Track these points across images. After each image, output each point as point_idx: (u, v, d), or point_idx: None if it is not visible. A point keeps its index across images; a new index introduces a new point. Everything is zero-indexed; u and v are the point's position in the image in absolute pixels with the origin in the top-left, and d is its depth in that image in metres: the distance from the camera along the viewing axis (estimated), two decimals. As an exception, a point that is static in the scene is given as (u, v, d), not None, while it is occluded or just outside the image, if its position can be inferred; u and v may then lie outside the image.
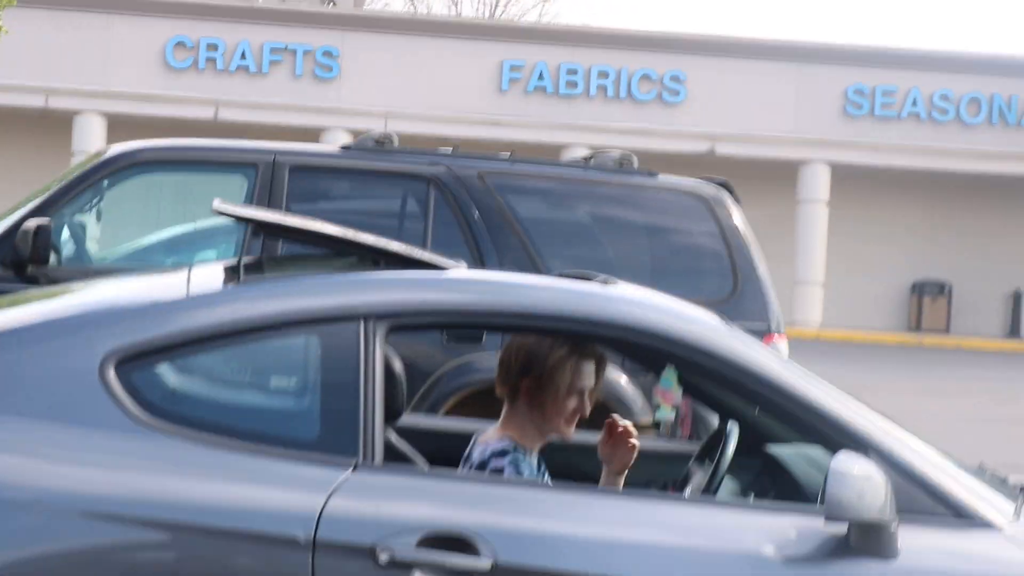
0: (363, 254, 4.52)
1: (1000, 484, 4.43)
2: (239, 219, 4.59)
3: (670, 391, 4.64)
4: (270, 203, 8.31)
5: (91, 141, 33.33)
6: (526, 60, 34.60)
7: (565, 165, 8.93)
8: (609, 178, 8.67)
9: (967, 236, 37.79)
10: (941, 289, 37.09)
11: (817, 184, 34.88)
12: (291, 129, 33.31)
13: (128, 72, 33.77)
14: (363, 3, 45.83)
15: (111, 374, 3.92)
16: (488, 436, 4.66)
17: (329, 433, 3.93)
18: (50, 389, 3.88)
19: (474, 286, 4.27)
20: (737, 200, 8.85)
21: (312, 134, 33.24)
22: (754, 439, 5.08)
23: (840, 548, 3.84)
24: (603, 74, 34.67)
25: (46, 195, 8.49)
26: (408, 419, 5.40)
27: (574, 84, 34.62)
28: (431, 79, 34.18)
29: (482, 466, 4.50)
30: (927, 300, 37.00)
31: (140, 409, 3.89)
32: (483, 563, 3.74)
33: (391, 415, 4.73)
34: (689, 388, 4.91)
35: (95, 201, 8.78)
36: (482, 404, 7.92)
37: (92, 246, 9.23)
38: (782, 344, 8.44)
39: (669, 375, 4.63)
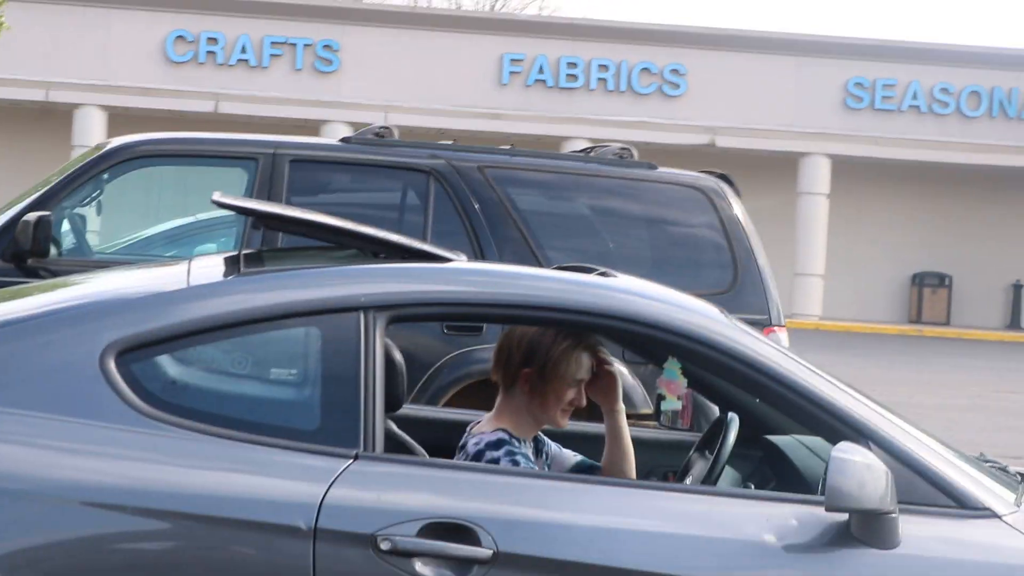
0: (363, 246, 4.52)
1: (1000, 473, 4.44)
2: (239, 211, 4.59)
3: (674, 382, 4.66)
4: (270, 196, 8.31)
5: (92, 135, 33.31)
6: (526, 53, 34.56)
7: (565, 158, 8.92)
8: (609, 170, 8.67)
9: (967, 228, 37.76)
10: (941, 281, 37.08)
11: (817, 177, 34.84)
12: (291, 122, 33.28)
13: (128, 66, 33.74)
14: (363, -4, 45.81)
15: (112, 365, 3.92)
16: (481, 427, 4.67)
17: (330, 423, 3.93)
18: (51, 380, 3.89)
19: (474, 278, 4.28)
20: (737, 192, 8.84)
21: (312, 127, 33.23)
22: (755, 429, 5.08)
23: (841, 537, 3.84)
24: (603, 67, 34.63)
25: (46, 188, 8.49)
26: (408, 410, 5.41)
27: (574, 77, 34.59)
28: (431, 72, 34.15)
29: (477, 458, 4.51)
30: (927, 292, 36.99)
31: (141, 400, 3.89)
32: (484, 552, 3.74)
33: (391, 406, 4.73)
34: (689, 379, 4.91)
35: (95, 194, 8.79)
36: (482, 395, 7.92)
37: (92, 239, 9.24)
38: (783, 336, 8.44)
39: (672, 366, 4.64)
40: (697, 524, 3.85)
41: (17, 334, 3.98)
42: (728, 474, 4.94)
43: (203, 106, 33.77)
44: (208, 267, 4.34)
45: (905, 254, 37.63)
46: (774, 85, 34.79)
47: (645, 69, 34.73)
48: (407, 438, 4.90)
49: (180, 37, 33.98)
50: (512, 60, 34.59)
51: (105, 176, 8.59)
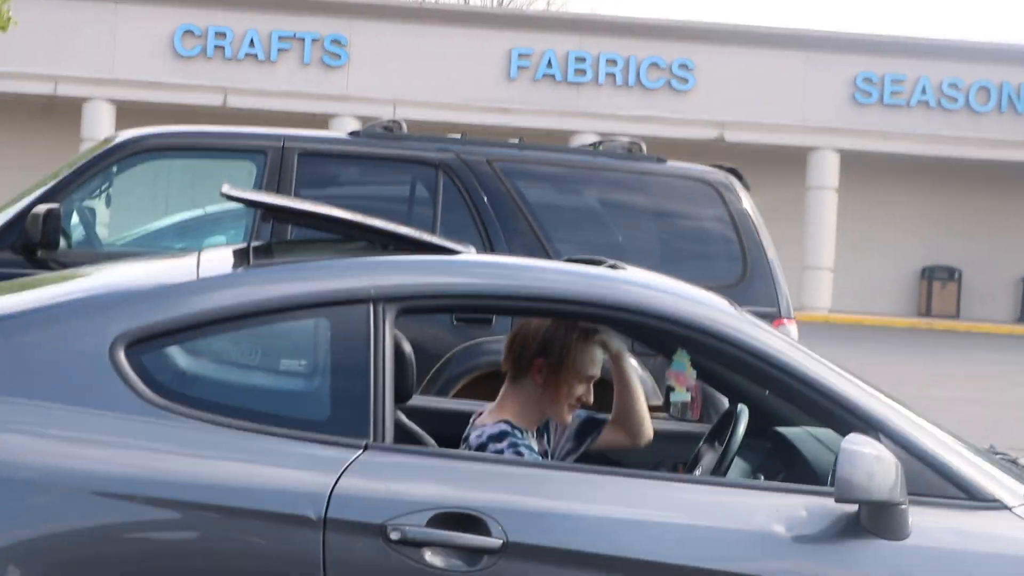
0: (372, 238, 4.52)
1: (1010, 465, 4.43)
2: (248, 204, 4.60)
3: (683, 373, 4.66)
4: (279, 189, 8.32)
5: (100, 128, 33.34)
6: (534, 48, 34.55)
7: (574, 151, 8.92)
8: (618, 164, 8.66)
9: (976, 222, 37.72)
10: (951, 275, 37.05)
11: (826, 171, 34.83)
12: (299, 116, 33.25)
13: (137, 60, 33.76)
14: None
15: (121, 356, 3.92)
16: (483, 420, 4.68)
17: (340, 414, 3.94)
18: (61, 371, 3.90)
19: (483, 270, 4.28)
20: (746, 186, 8.84)
21: (320, 121, 33.22)
22: (764, 421, 5.08)
23: (851, 528, 3.84)
24: (612, 62, 34.62)
25: (55, 181, 8.50)
26: (418, 401, 5.42)
27: (583, 72, 34.57)
28: (439, 67, 34.14)
29: (479, 451, 4.52)
30: (937, 286, 36.96)
31: (151, 390, 3.90)
32: (493, 542, 3.75)
33: (401, 397, 4.74)
34: (699, 370, 4.92)
35: (104, 187, 8.80)
36: (491, 386, 7.91)
37: (101, 231, 9.25)
38: (792, 328, 8.44)
39: (681, 358, 4.64)
40: (706, 515, 3.85)
41: (27, 325, 3.99)
42: (738, 465, 4.95)
43: (211, 100, 33.80)
44: (217, 259, 4.34)
45: (914, 248, 37.60)
46: (783, 80, 34.77)
47: (654, 64, 34.71)
48: (417, 429, 4.91)
49: (188, 31, 34.00)
50: (520, 55, 34.57)
51: (114, 169, 8.61)
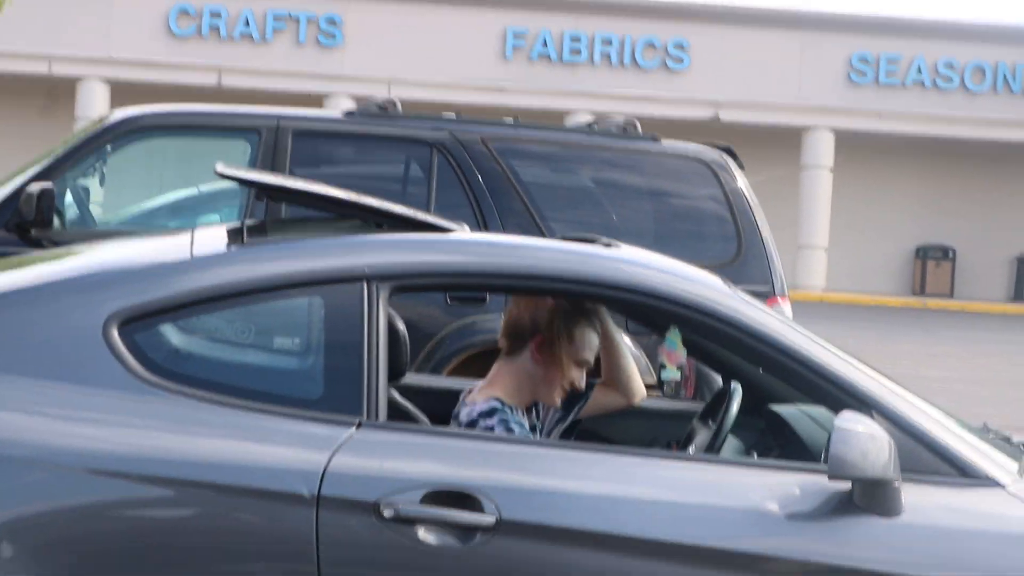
0: (366, 217, 4.52)
1: (1004, 443, 4.44)
2: (242, 183, 4.60)
3: (675, 351, 4.66)
4: (273, 168, 8.31)
5: (94, 108, 33.30)
6: (530, 27, 34.50)
7: (569, 130, 8.91)
8: (613, 143, 8.66)
9: (971, 202, 37.74)
10: (945, 254, 37.07)
11: (821, 150, 34.83)
12: (295, 96, 33.22)
13: (131, 39, 33.70)
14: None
15: (115, 334, 3.93)
16: (473, 397, 4.69)
17: (333, 392, 3.94)
18: (55, 349, 3.90)
19: (477, 248, 4.28)
20: (741, 165, 8.83)
21: (315, 101, 33.18)
22: (757, 399, 5.09)
23: (844, 505, 3.84)
24: (607, 41, 34.58)
25: (50, 160, 8.49)
26: (412, 378, 5.42)
27: (578, 51, 34.53)
28: (435, 46, 34.09)
29: (470, 427, 4.53)
30: (931, 265, 36.98)
31: (144, 368, 3.90)
32: (487, 519, 3.75)
33: (395, 374, 4.74)
34: (692, 348, 4.92)
35: (98, 166, 8.79)
36: (485, 365, 7.92)
37: (95, 210, 9.23)
38: (786, 307, 8.45)
39: (673, 336, 4.65)
40: (700, 492, 3.85)
41: (21, 303, 3.99)
42: (731, 443, 4.95)
43: (206, 80, 33.75)
44: (211, 238, 4.34)
45: (909, 227, 37.61)
46: (778, 60, 34.74)
47: (649, 43, 34.68)
48: (410, 406, 4.92)
49: (183, 11, 33.94)
50: (516, 34, 34.53)
51: (108, 148, 8.59)
